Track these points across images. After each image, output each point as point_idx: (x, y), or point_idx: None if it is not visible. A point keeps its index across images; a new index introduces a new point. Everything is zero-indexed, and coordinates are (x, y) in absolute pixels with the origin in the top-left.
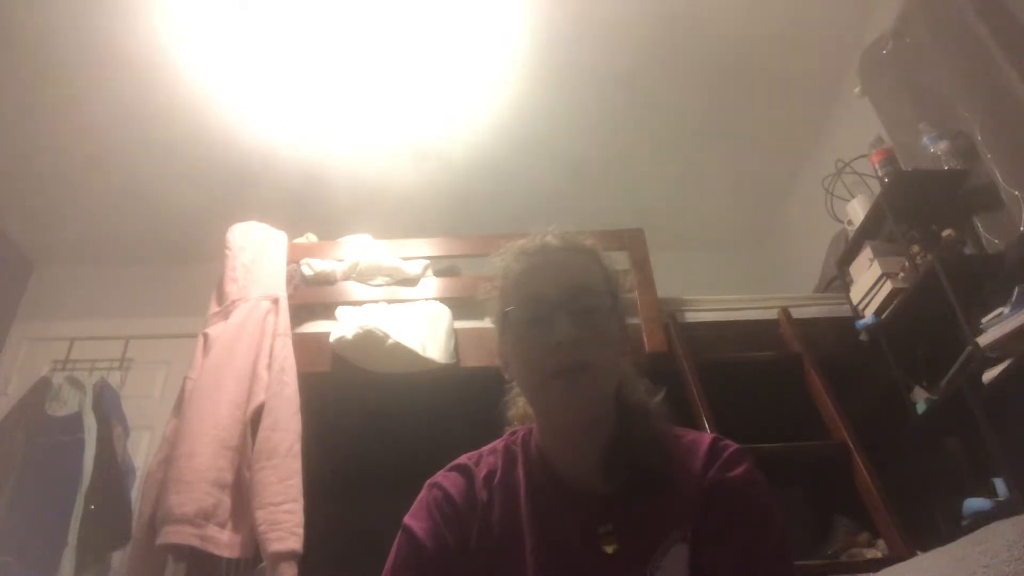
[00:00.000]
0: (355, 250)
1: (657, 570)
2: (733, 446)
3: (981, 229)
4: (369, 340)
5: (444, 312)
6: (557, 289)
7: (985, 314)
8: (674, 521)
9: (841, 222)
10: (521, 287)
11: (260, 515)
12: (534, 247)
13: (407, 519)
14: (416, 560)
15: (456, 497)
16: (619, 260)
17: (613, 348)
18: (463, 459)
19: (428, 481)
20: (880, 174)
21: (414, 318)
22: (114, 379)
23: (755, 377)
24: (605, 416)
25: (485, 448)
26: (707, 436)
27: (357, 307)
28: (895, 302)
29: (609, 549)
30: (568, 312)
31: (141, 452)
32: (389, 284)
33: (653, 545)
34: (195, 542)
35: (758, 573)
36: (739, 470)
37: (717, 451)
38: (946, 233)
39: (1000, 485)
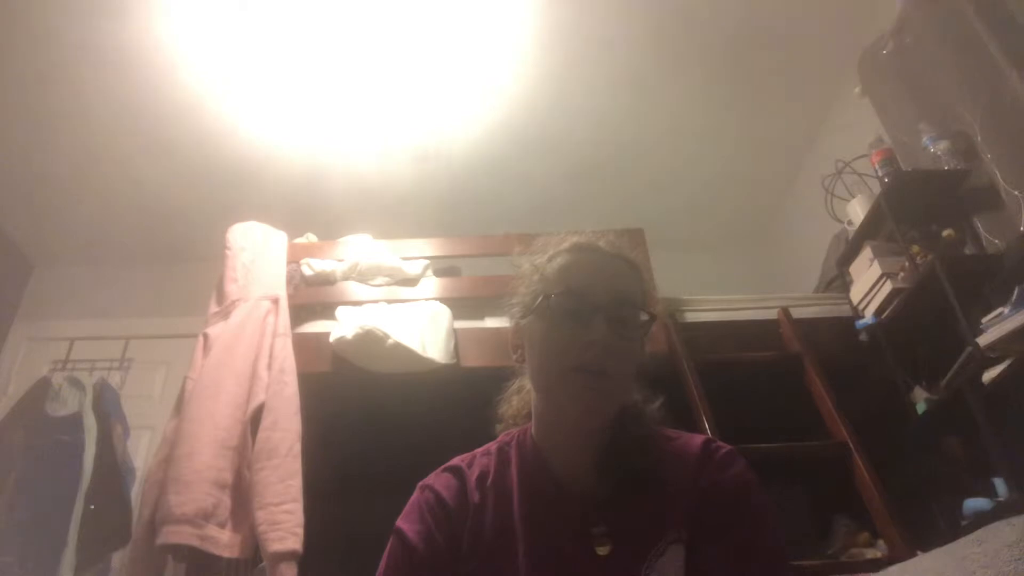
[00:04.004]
0: (355, 250)
1: (652, 572)
2: (725, 447)
3: (981, 229)
4: (369, 340)
5: (444, 312)
6: (605, 292)
7: (985, 314)
8: (669, 522)
9: (841, 222)
10: (567, 278)
11: (260, 515)
12: (586, 244)
13: (399, 522)
14: (408, 563)
15: (448, 499)
16: None
17: (633, 364)
18: (456, 461)
19: (420, 483)
20: (880, 174)
21: (414, 318)
22: (114, 379)
23: (755, 377)
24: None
25: (478, 450)
26: (699, 437)
27: (357, 307)
28: (895, 302)
29: (602, 550)
30: (608, 318)
31: (141, 452)
32: (389, 284)
33: (647, 546)
34: (195, 542)
35: (755, 574)
36: (733, 471)
37: (710, 452)
38: (946, 233)
39: (1000, 485)
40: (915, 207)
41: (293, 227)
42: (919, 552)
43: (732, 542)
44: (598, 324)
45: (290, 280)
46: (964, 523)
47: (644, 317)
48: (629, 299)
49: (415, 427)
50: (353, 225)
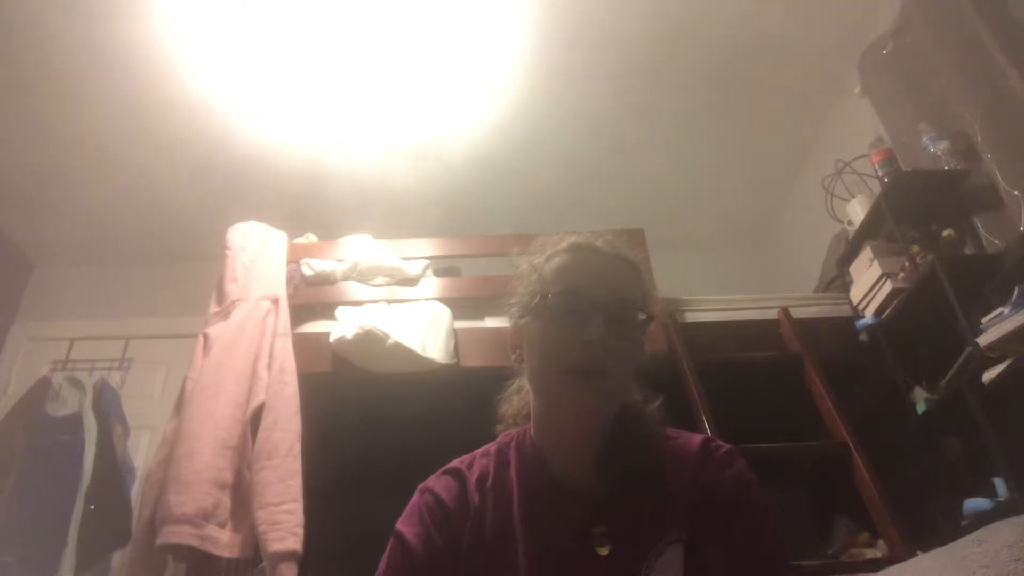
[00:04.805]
0: (355, 250)
1: (652, 571)
2: (725, 446)
3: (981, 229)
4: (369, 340)
5: (444, 312)
6: (603, 292)
7: (985, 314)
8: (669, 522)
9: (841, 222)
10: (565, 278)
11: (260, 515)
12: (584, 244)
13: (399, 525)
14: (407, 566)
15: (448, 502)
16: None
17: (632, 364)
18: (455, 463)
19: (420, 486)
20: (880, 174)
21: (414, 318)
22: (114, 379)
23: (755, 377)
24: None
25: (478, 451)
26: (698, 437)
27: (357, 307)
28: (895, 302)
29: (602, 551)
30: (606, 318)
31: (141, 452)
32: (389, 284)
33: (647, 546)
34: (195, 542)
35: (753, 573)
36: (732, 471)
37: (709, 452)
38: (946, 233)
39: (1000, 485)
40: (915, 207)
41: (293, 227)
42: (919, 552)
43: (731, 541)
44: (596, 324)
45: (290, 280)
46: (964, 523)
47: (643, 317)
48: (627, 299)
49: (415, 427)
50: (353, 225)
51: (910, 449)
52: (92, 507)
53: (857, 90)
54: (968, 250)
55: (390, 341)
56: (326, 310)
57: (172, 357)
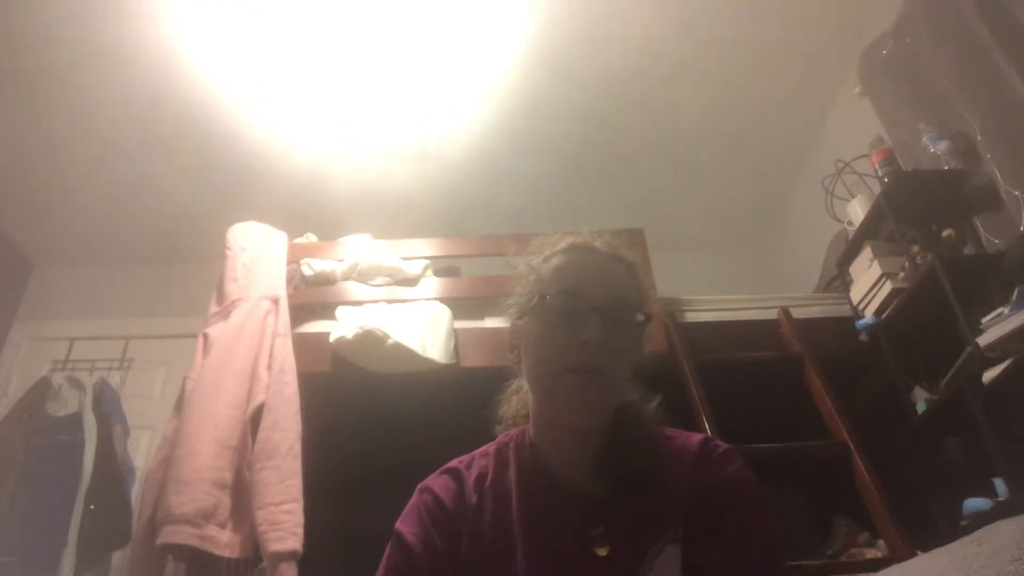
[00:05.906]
0: (355, 250)
1: (650, 571)
2: (723, 446)
3: (981, 229)
4: (369, 340)
5: (444, 312)
6: (599, 292)
7: (985, 314)
8: (667, 522)
9: (841, 222)
10: (563, 278)
11: (260, 515)
12: (582, 245)
13: (398, 525)
14: (407, 566)
15: (447, 501)
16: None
17: (630, 364)
18: (454, 463)
19: (419, 485)
20: (880, 174)
21: (414, 318)
22: (114, 379)
23: (755, 377)
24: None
25: (477, 451)
26: (697, 436)
27: (357, 307)
28: (895, 302)
29: (601, 551)
30: (603, 318)
31: (141, 452)
32: (389, 284)
33: (646, 546)
34: (195, 542)
35: (750, 572)
36: (730, 470)
37: (707, 451)
38: (946, 233)
39: (1000, 485)
40: (915, 207)
41: (293, 227)
42: (919, 552)
43: (730, 540)
44: (593, 324)
45: (290, 280)
46: (964, 523)
47: (640, 317)
48: (625, 299)
49: (415, 427)
50: (353, 225)
51: (910, 449)
52: (92, 507)
53: (857, 90)
54: (968, 250)
55: (390, 341)
56: (326, 310)
57: (172, 357)
